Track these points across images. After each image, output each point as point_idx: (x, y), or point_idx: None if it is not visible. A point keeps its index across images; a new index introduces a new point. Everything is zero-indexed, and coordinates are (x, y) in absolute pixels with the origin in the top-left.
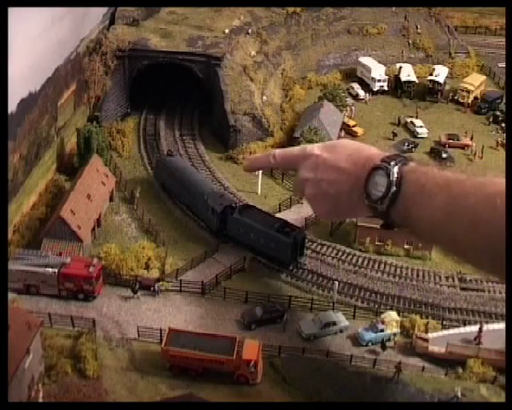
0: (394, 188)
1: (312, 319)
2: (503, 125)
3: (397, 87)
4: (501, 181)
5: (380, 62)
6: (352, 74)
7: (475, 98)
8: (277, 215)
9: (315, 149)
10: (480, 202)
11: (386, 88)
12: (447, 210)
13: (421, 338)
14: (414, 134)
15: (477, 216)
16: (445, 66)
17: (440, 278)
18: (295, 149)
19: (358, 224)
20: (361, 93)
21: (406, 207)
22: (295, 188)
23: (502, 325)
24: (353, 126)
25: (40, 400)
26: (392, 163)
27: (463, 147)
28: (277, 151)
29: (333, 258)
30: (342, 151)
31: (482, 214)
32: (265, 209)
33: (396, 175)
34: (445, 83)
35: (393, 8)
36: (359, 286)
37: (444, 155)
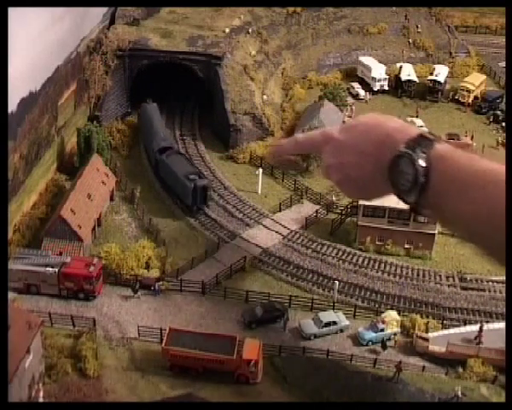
0: (422, 179)
1: (313, 318)
2: (504, 124)
3: (397, 87)
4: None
5: (380, 62)
6: (352, 74)
7: (476, 98)
8: (278, 215)
9: (334, 132)
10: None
11: (386, 87)
12: (484, 205)
13: (421, 338)
14: None
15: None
16: (445, 65)
17: (441, 277)
18: (316, 133)
19: (359, 223)
20: (361, 93)
21: (436, 199)
22: (323, 174)
23: (502, 325)
24: None
25: (40, 399)
26: (418, 150)
27: (464, 146)
28: (300, 136)
29: (333, 257)
30: (360, 131)
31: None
32: (265, 209)
33: (423, 164)
34: (445, 82)
35: (394, 8)
36: (360, 286)
37: None
